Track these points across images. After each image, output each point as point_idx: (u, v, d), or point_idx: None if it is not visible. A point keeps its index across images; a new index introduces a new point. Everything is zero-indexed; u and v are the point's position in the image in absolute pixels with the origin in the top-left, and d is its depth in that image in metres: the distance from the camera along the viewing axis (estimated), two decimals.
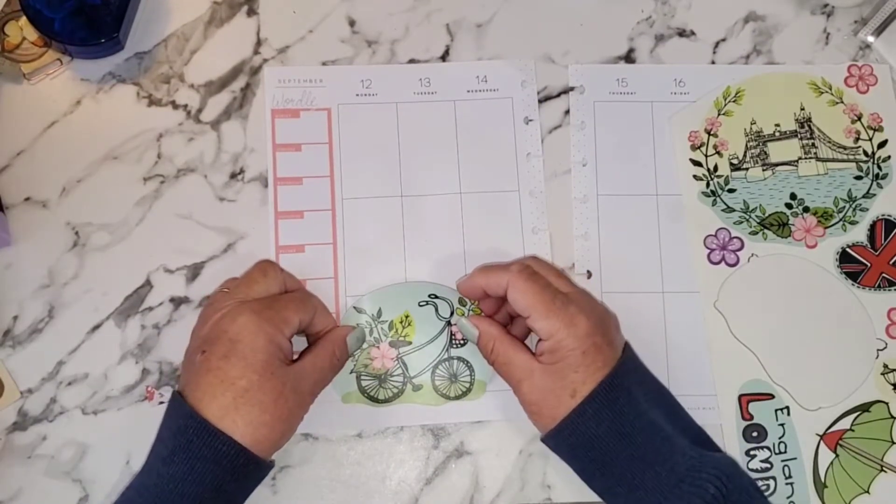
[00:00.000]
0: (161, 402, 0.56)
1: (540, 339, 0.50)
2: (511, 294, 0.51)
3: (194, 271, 0.58)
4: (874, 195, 0.61)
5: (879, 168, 0.62)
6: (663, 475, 0.47)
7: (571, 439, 0.49)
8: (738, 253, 0.60)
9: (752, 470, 0.56)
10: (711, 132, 0.62)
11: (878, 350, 0.58)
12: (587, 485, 0.50)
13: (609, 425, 0.48)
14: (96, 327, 0.57)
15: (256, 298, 0.51)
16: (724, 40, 0.64)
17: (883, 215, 0.61)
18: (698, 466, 0.47)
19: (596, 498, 0.55)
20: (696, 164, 0.61)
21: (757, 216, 0.60)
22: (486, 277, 0.53)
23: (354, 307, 0.58)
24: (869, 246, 0.60)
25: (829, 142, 0.62)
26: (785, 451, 0.57)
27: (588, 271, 0.59)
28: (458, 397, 0.57)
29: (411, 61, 0.62)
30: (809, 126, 0.62)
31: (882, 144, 0.62)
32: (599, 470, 0.49)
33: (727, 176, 0.61)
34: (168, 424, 0.48)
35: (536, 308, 0.50)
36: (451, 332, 0.58)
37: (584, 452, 0.49)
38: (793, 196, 0.61)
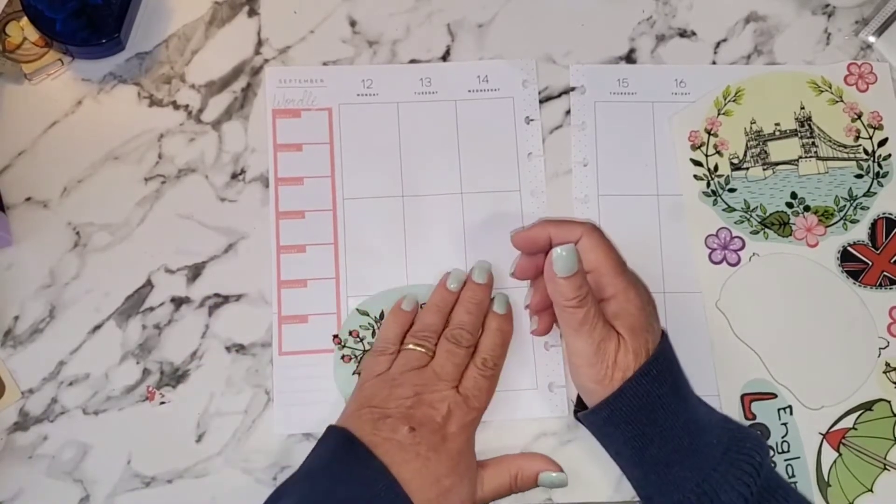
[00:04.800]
0: (162, 402, 0.56)
1: (602, 300, 0.50)
2: (584, 244, 0.50)
3: (195, 271, 0.58)
4: (875, 194, 0.61)
5: (880, 166, 0.62)
6: (714, 442, 0.47)
7: (635, 401, 0.48)
8: (739, 252, 0.60)
9: None
10: (712, 132, 0.62)
11: (880, 349, 0.58)
12: (632, 462, 0.49)
13: (670, 387, 0.48)
14: (97, 327, 0.57)
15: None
16: (725, 40, 0.64)
17: (884, 214, 0.61)
18: (740, 436, 0.48)
19: (594, 499, 0.56)
20: (697, 163, 0.61)
21: (758, 215, 0.60)
22: (557, 227, 0.52)
23: (357, 309, 0.58)
24: (870, 244, 0.60)
25: (830, 140, 0.62)
26: (788, 451, 0.56)
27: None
28: None
29: (412, 61, 0.62)
30: (809, 125, 0.62)
31: (882, 143, 0.62)
32: (659, 434, 0.48)
33: (728, 175, 0.61)
34: (362, 480, 0.47)
35: (608, 264, 0.50)
36: None
37: (646, 414, 0.48)
38: (793, 195, 0.61)
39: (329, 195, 0.59)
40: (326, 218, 0.59)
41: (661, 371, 0.48)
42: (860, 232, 0.60)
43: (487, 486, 0.51)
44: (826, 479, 0.56)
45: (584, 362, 0.49)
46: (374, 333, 0.57)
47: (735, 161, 0.61)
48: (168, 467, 0.55)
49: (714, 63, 0.63)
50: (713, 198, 0.61)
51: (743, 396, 0.57)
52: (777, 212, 0.61)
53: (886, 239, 0.60)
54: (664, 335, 0.51)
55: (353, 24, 0.62)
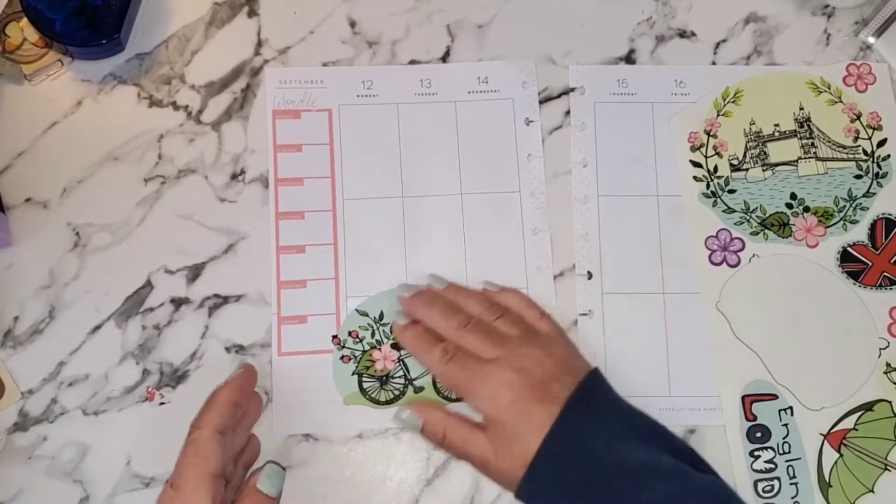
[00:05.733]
0: (162, 403, 0.55)
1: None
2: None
3: (195, 272, 0.58)
4: (874, 194, 0.61)
5: (879, 167, 0.62)
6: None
7: (542, 489, 0.48)
8: (739, 254, 0.60)
9: (756, 471, 0.56)
10: (711, 133, 0.62)
11: (880, 349, 0.58)
12: None
13: (572, 483, 0.47)
14: (97, 328, 0.56)
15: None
16: (724, 41, 0.64)
17: (883, 214, 0.61)
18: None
19: None
20: (696, 165, 0.61)
21: (757, 216, 0.60)
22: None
23: (356, 310, 0.58)
24: (870, 245, 0.60)
25: (829, 141, 0.62)
26: (789, 452, 0.56)
27: (588, 272, 0.59)
28: (459, 399, 0.57)
29: (412, 62, 0.62)
30: (809, 126, 0.62)
31: (881, 143, 0.62)
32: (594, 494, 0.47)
33: (727, 177, 0.61)
34: None
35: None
36: None
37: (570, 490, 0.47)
38: (793, 196, 0.61)
39: (329, 196, 0.59)
40: (326, 218, 0.59)
41: (554, 467, 0.47)
42: (860, 232, 0.60)
43: None
44: (827, 479, 0.56)
45: (490, 473, 0.50)
46: (373, 334, 0.57)
47: (734, 162, 0.61)
48: (168, 468, 0.54)
49: (714, 64, 0.63)
50: (713, 199, 0.61)
51: (744, 398, 0.57)
52: (777, 213, 0.61)
53: (886, 239, 0.60)
54: (565, 410, 0.48)
55: (352, 24, 0.62)
